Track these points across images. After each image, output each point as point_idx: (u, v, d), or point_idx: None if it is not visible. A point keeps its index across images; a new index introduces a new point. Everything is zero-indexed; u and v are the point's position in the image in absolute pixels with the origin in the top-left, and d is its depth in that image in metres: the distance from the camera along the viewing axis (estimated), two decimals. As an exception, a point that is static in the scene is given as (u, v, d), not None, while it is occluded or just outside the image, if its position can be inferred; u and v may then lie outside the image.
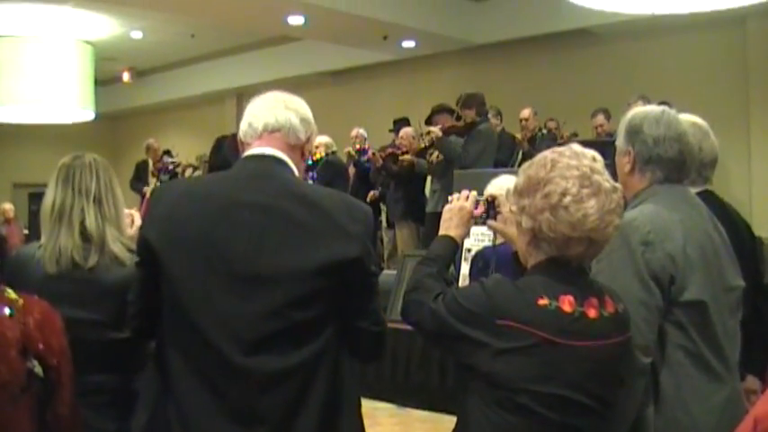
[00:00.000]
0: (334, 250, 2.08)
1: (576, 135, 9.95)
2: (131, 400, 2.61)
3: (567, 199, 1.99)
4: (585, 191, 1.99)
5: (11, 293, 1.82)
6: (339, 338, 2.14)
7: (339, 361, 2.15)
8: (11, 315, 1.76)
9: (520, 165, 8.95)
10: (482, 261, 3.79)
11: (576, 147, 2.11)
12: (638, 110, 2.61)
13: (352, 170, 9.97)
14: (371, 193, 9.79)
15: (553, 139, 9.87)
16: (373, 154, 9.66)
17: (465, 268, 5.22)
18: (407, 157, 9.13)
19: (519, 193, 2.10)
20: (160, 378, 2.16)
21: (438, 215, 8.42)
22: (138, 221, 2.98)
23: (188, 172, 11.94)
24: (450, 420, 6.27)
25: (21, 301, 1.81)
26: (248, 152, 2.27)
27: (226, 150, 3.52)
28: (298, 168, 2.27)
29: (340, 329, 2.15)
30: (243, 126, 2.30)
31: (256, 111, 2.30)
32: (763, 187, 10.42)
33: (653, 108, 2.58)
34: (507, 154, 9.57)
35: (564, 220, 1.99)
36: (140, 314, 2.27)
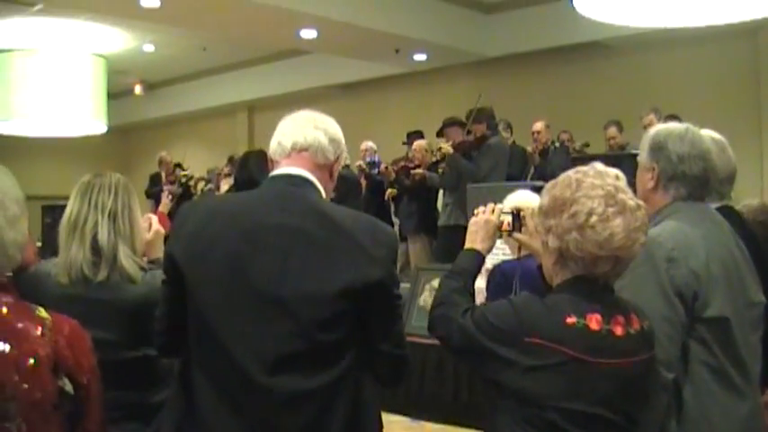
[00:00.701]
0: (357, 273, 2.08)
1: (587, 146, 9.95)
2: (148, 414, 2.64)
3: (594, 219, 2.01)
4: (611, 210, 2.01)
5: (42, 312, 1.83)
6: (362, 361, 2.15)
7: (361, 383, 2.15)
8: (42, 334, 1.78)
9: (532, 178, 9.02)
10: (501, 275, 3.78)
11: (599, 165, 2.13)
12: (662, 126, 2.63)
13: (363, 182, 10.00)
14: (389, 191, 9.80)
15: (566, 152, 9.86)
16: (386, 168, 9.67)
17: (480, 282, 5.21)
18: (419, 171, 9.14)
19: (545, 213, 2.11)
20: (184, 395, 2.17)
21: (450, 228, 8.51)
22: (155, 225, 3.00)
23: (200, 185, 11.99)
24: (464, 432, 6.10)
25: (51, 320, 1.82)
26: (276, 171, 2.28)
27: (252, 166, 3.52)
28: (325, 188, 2.28)
29: (363, 352, 2.15)
30: (273, 144, 2.31)
31: (286, 129, 2.31)
32: (775, 200, 10.42)
33: (677, 125, 2.60)
34: (519, 167, 9.57)
35: (591, 240, 2.00)
36: (167, 331, 2.28)
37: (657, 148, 2.55)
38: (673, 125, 2.61)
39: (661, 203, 2.53)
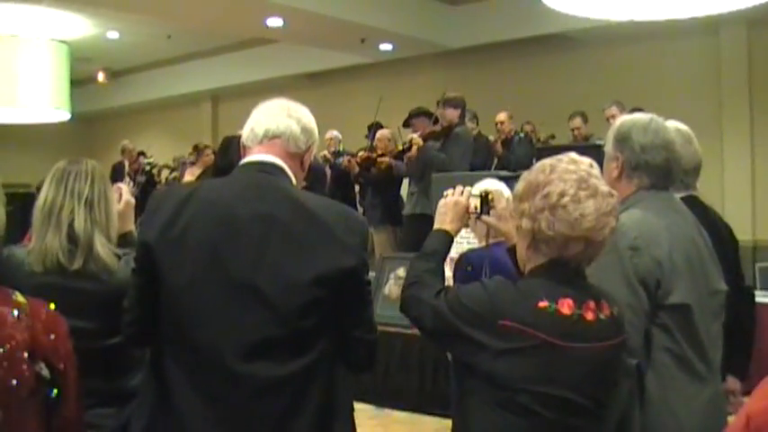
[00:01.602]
0: (331, 261, 2.10)
1: (553, 137, 10.03)
2: (122, 399, 2.64)
3: (566, 199, 2.05)
4: (583, 193, 2.05)
5: (18, 296, 1.83)
6: (334, 347, 2.17)
7: (334, 369, 2.17)
8: (19, 318, 1.78)
9: (496, 168, 9.06)
10: (469, 264, 3.81)
11: (574, 155, 2.17)
12: (627, 117, 2.67)
13: (328, 172, 9.98)
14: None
15: (529, 143, 9.94)
16: (348, 161, 9.63)
17: (446, 271, 5.25)
18: (385, 159, 9.13)
19: (519, 198, 2.15)
20: (156, 384, 2.17)
21: (416, 217, 8.51)
22: (125, 196, 3.00)
23: (164, 173, 11.92)
24: (429, 421, 6.31)
25: (27, 304, 1.82)
26: (247, 158, 2.29)
27: (233, 153, 3.50)
28: (296, 177, 2.29)
29: (336, 339, 2.17)
30: (246, 130, 2.32)
31: (259, 116, 2.32)
32: (735, 193, 10.57)
33: (641, 116, 2.64)
34: (483, 157, 9.59)
35: (562, 219, 2.04)
36: (136, 322, 2.26)
37: (622, 138, 2.60)
38: (638, 116, 2.65)
39: (625, 193, 2.56)
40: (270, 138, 2.28)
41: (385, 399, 7.06)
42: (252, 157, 2.28)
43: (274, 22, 11.55)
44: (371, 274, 7.68)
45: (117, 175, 12.00)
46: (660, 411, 2.41)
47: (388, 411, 6.97)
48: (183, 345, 2.12)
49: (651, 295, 2.39)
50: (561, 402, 2.01)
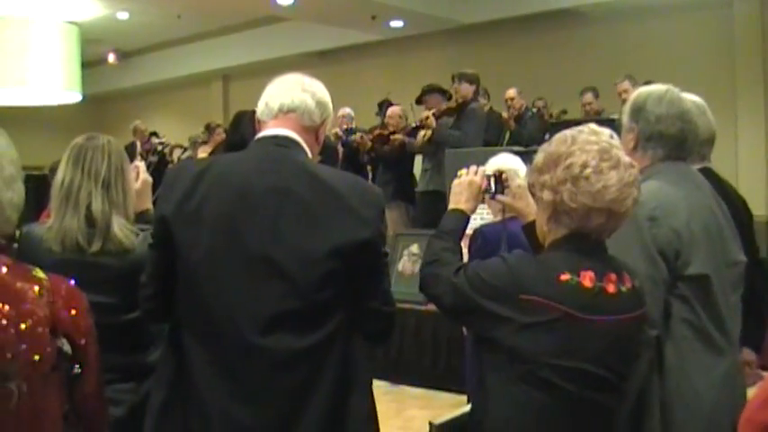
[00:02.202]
0: (347, 233, 2.11)
1: (565, 113, 9.99)
2: (141, 375, 2.65)
3: (588, 170, 2.03)
4: (605, 164, 2.04)
5: (39, 272, 1.84)
6: (352, 320, 2.17)
7: (352, 342, 2.18)
8: (40, 294, 1.78)
9: (508, 144, 9.04)
10: (483, 239, 3.81)
11: (594, 126, 2.16)
12: (643, 88, 2.66)
13: (340, 149, 9.96)
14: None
15: (541, 118, 9.91)
16: (361, 137, 9.62)
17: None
18: (398, 136, 9.11)
19: (539, 169, 2.14)
20: (174, 359, 2.18)
21: (429, 194, 8.51)
22: (143, 175, 3.01)
23: (176, 152, 11.92)
24: (443, 397, 6.33)
25: (48, 280, 1.83)
26: (263, 133, 2.30)
27: (244, 127, 3.49)
28: (311, 150, 2.30)
29: (353, 311, 2.17)
30: (260, 105, 2.33)
31: (274, 91, 2.33)
32: (749, 167, 10.50)
33: (657, 86, 2.63)
34: (496, 133, 9.58)
35: (585, 191, 2.03)
36: (154, 297, 2.28)
37: (637, 109, 2.60)
38: (654, 87, 2.64)
39: (642, 164, 2.55)
40: (285, 112, 2.29)
41: (399, 375, 7.09)
42: (267, 131, 2.29)
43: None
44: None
45: (129, 155, 11.97)
46: (679, 382, 2.41)
47: (402, 388, 7.00)
48: (201, 318, 2.13)
49: (670, 266, 2.39)
50: (582, 375, 2.01)
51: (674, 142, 2.56)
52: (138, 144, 12.11)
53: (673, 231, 2.39)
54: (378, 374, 6.43)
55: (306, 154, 2.27)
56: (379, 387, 6.48)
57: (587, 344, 2.01)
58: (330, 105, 2.38)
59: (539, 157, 2.16)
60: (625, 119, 2.64)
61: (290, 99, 2.30)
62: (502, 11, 12.13)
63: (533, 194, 2.19)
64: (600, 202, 2.03)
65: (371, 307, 2.22)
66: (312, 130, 2.32)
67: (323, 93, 2.36)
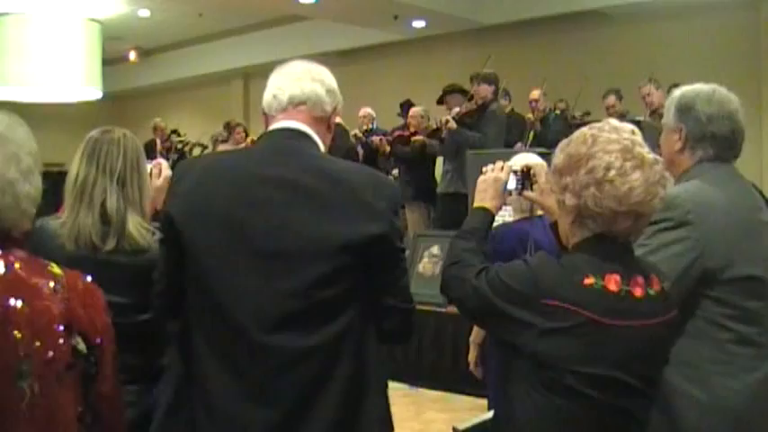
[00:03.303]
0: (358, 227, 2.04)
1: (588, 114, 9.93)
2: (154, 376, 2.60)
3: (612, 173, 1.95)
4: (629, 164, 1.96)
5: (54, 268, 1.79)
6: (365, 317, 2.11)
7: (365, 340, 2.11)
8: (55, 290, 1.74)
9: (532, 145, 8.99)
10: (497, 240, 3.70)
11: (614, 121, 2.09)
12: (688, 87, 2.58)
13: (360, 151, 9.93)
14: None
15: (564, 119, 9.85)
16: (380, 139, 9.59)
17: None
18: (419, 138, 9.09)
19: (560, 171, 2.06)
20: (183, 359, 2.15)
21: (450, 196, 8.50)
22: (165, 171, 2.93)
23: (196, 151, 11.92)
24: (463, 400, 6.27)
25: (64, 276, 1.78)
26: (273, 125, 2.22)
27: None
28: (323, 141, 2.23)
29: (367, 308, 2.11)
30: (267, 97, 2.26)
31: (281, 82, 2.25)
32: (775, 172, 10.40)
33: (703, 86, 2.56)
34: (518, 135, 9.55)
35: (610, 195, 1.95)
36: (165, 293, 2.24)
37: (685, 108, 2.52)
38: (699, 86, 2.56)
39: (687, 165, 2.51)
40: (295, 104, 2.21)
41: (418, 378, 7.05)
42: (277, 124, 2.21)
43: (307, -2, 11.50)
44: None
45: (149, 153, 11.98)
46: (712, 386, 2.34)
47: (421, 390, 6.96)
48: (209, 316, 2.08)
49: (707, 270, 2.32)
50: (609, 382, 1.94)
51: (725, 143, 2.50)
52: (159, 141, 12.12)
53: (707, 234, 2.32)
54: (397, 376, 6.41)
55: (318, 147, 2.20)
56: (398, 389, 6.48)
57: (613, 350, 1.95)
58: (338, 92, 2.30)
59: (559, 158, 2.08)
60: (669, 118, 2.57)
61: (299, 90, 2.21)
62: (524, 12, 12.09)
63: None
64: (626, 205, 1.96)
65: (388, 304, 2.14)
66: (324, 121, 2.24)
67: (331, 80, 2.28)
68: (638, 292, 1.98)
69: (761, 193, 3.36)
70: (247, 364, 2.03)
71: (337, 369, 2.04)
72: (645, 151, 2.01)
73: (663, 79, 8.69)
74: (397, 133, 9.56)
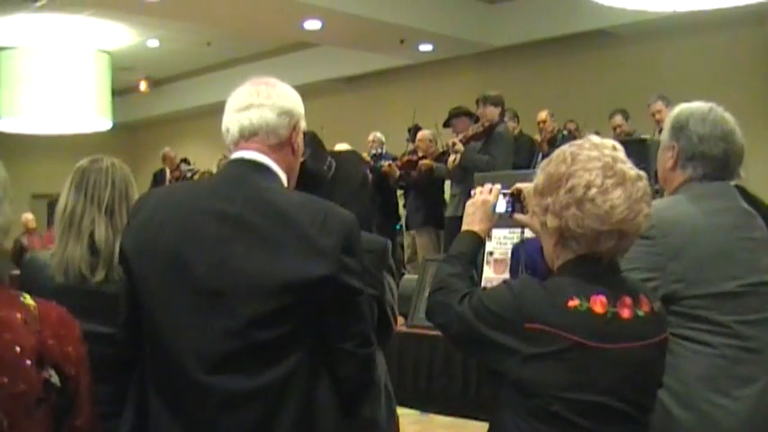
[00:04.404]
0: (299, 267, 1.91)
1: (597, 134, 9.86)
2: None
3: (593, 191, 1.90)
4: (610, 181, 1.91)
5: (27, 299, 1.76)
6: (316, 362, 1.99)
7: (315, 385, 1.99)
8: (25, 322, 1.70)
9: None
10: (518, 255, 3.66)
11: (595, 138, 2.04)
12: (685, 105, 2.57)
13: (369, 175, 9.88)
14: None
15: (573, 140, 9.79)
16: (389, 165, 9.56)
17: (488, 271, 5.15)
18: (426, 162, 9.07)
19: (540, 192, 2.00)
20: (139, 392, 2.10)
21: (458, 219, 8.37)
22: None
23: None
24: (473, 426, 6.18)
25: (36, 307, 1.75)
26: (232, 155, 2.12)
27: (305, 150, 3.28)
28: (287, 166, 2.12)
29: (318, 352, 1.99)
30: (223, 129, 2.14)
31: (229, 115, 2.13)
32: (786, 188, 10.30)
33: (701, 104, 2.54)
34: (526, 157, 9.50)
35: (591, 214, 1.90)
36: (125, 325, 2.18)
37: (679, 127, 2.51)
38: (696, 105, 2.55)
39: (678, 182, 2.50)
40: (247, 137, 2.09)
41: (428, 403, 6.96)
42: (234, 154, 2.11)
43: (312, 24, 11.54)
44: (413, 277, 7.63)
45: (158, 182, 12.06)
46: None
47: (431, 416, 6.87)
48: (154, 355, 2.03)
49: (668, 285, 2.29)
50: (598, 409, 1.88)
51: (717, 163, 2.48)
52: (168, 170, 12.15)
53: (670, 250, 2.30)
54: (406, 402, 6.32)
55: (276, 176, 2.08)
56: (408, 415, 6.39)
57: (601, 375, 1.88)
58: (297, 105, 2.15)
59: (539, 178, 2.03)
60: (665, 136, 2.57)
61: (248, 121, 2.09)
62: (530, 34, 12.09)
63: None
64: (608, 224, 1.90)
65: (341, 348, 2.01)
66: (283, 146, 2.12)
67: (285, 97, 2.13)
68: (625, 313, 1.92)
69: (763, 206, 3.32)
70: (188, 405, 1.97)
71: (283, 414, 1.94)
72: (627, 167, 1.96)
73: (672, 97, 8.64)
74: (405, 158, 9.54)
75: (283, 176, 2.11)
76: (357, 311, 2.04)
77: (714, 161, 2.47)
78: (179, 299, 1.97)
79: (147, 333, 2.05)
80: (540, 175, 2.03)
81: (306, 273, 1.91)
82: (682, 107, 2.57)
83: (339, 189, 3.03)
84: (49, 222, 11.18)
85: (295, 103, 2.15)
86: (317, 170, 2.95)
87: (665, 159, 2.52)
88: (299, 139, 2.17)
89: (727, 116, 2.55)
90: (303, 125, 2.19)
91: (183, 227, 2.00)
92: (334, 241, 1.94)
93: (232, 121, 2.11)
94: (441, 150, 9.04)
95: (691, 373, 2.27)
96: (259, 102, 2.10)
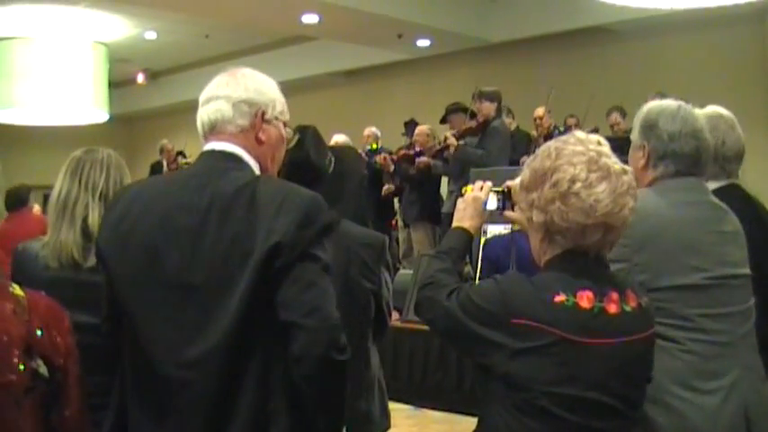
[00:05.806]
0: (259, 248, 1.89)
1: (596, 131, 9.86)
2: None
3: (577, 185, 1.90)
4: (594, 175, 1.91)
5: (17, 289, 1.75)
6: (281, 350, 1.92)
7: (273, 374, 1.93)
8: (14, 312, 1.69)
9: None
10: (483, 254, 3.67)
11: (580, 133, 2.04)
12: (654, 104, 2.56)
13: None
14: (386, 187, 9.72)
15: (569, 136, 9.79)
16: (384, 158, 9.54)
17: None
18: (424, 159, 9.06)
19: (526, 188, 2.01)
20: (119, 388, 2.09)
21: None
22: None
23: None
24: (467, 421, 6.19)
25: (25, 298, 1.74)
26: (204, 147, 2.13)
27: (308, 144, 3.26)
28: (255, 152, 2.10)
29: (283, 341, 1.92)
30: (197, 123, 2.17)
31: (200, 107, 2.15)
32: (783, 186, 10.30)
33: (669, 103, 2.54)
34: (523, 152, 9.50)
35: (576, 208, 1.90)
36: (107, 318, 2.17)
37: (648, 126, 2.51)
38: (665, 103, 2.55)
39: (649, 181, 2.49)
40: (209, 131, 2.11)
41: (422, 398, 6.98)
42: (206, 146, 2.12)
43: (310, 18, 11.54)
44: (408, 272, 7.64)
45: (155, 174, 12.05)
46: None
47: (425, 411, 6.89)
48: (129, 346, 2.03)
49: (633, 275, 2.26)
50: (585, 404, 1.88)
51: (688, 160, 2.47)
52: (165, 163, 12.15)
53: (635, 242, 2.29)
54: (400, 397, 6.34)
55: (245, 164, 2.07)
56: (402, 410, 6.41)
57: (588, 369, 1.88)
58: (263, 91, 2.13)
59: (524, 174, 2.03)
60: (635, 135, 2.55)
61: (206, 116, 2.11)
62: (529, 29, 12.09)
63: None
64: (593, 217, 1.90)
65: (289, 321, 1.87)
66: (245, 133, 2.09)
67: (245, 87, 2.12)
68: (612, 308, 1.92)
69: (762, 206, 3.31)
70: (160, 399, 1.96)
71: (243, 402, 1.91)
72: (612, 162, 1.96)
73: (671, 93, 8.62)
74: (402, 152, 9.52)
75: (254, 165, 2.09)
76: (304, 279, 1.91)
77: (685, 158, 2.46)
78: (152, 293, 1.97)
79: (124, 327, 2.04)
80: (525, 171, 2.04)
81: (262, 249, 1.88)
82: (650, 105, 2.56)
83: (337, 184, 3.03)
84: (45, 214, 11.17)
85: (260, 91, 2.14)
86: (320, 165, 2.96)
87: (636, 159, 2.50)
88: (270, 128, 2.14)
89: (697, 113, 2.55)
90: (277, 113, 2.17)
91: (156, 221, 2.00)
92: (291, 218, 1.91)
93: (200, 115, 2.13)
94: (438, 147, 9.03)
95: (657, 369, 2.26)
96: (216, 95, 2.12)
